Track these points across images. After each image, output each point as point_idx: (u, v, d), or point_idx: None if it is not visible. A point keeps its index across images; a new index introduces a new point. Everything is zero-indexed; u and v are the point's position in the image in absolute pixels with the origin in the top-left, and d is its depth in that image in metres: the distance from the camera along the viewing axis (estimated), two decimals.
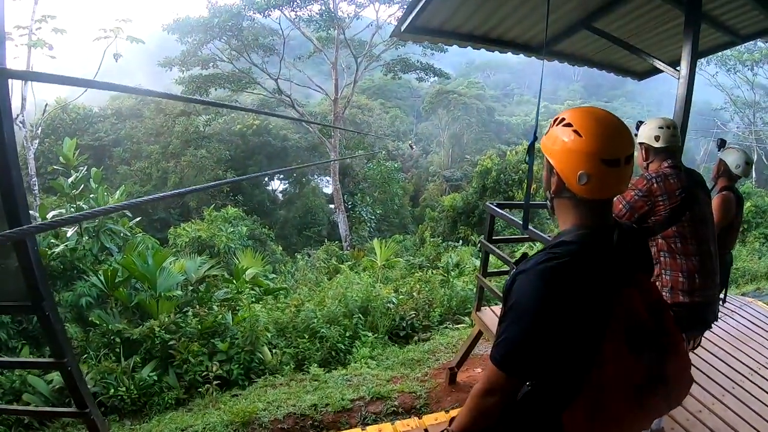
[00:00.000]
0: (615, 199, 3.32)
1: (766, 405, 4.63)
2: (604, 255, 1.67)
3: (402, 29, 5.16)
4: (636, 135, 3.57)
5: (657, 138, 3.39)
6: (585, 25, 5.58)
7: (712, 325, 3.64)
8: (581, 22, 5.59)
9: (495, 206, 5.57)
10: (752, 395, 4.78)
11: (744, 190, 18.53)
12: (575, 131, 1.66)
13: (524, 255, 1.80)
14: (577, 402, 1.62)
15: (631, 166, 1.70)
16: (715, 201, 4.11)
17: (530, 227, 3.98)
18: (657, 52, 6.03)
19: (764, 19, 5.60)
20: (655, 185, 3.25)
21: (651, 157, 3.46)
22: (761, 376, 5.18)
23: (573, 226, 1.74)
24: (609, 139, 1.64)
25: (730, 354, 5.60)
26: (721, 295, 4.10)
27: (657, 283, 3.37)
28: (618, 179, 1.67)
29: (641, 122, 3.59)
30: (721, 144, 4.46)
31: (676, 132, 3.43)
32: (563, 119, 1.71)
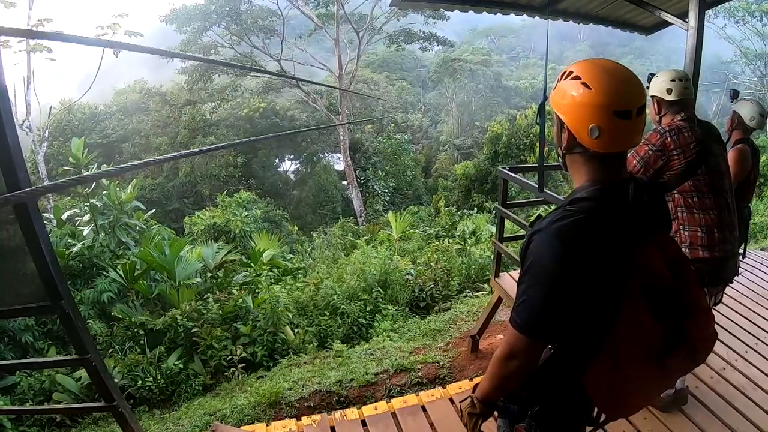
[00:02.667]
0: (629, 154, 3.29)
1: None
2: (620, 210, 1.65)
3: None
4: (647, 88, 3.51)
5: (669, 91, 3.32)
6: None
7: (733, 280, 3.61)
8: None
9: (508, 170, 5.53)
10: None
11: (759, 144, 18.18)
12: (584, 84, 1.63)
13: (539, 216, 1.77)
14: (598, 361, 1.62)
15: (644, 117, 1.67)
16: (731, 154, 4.04)
17: (545, 190, 3.95)
18: (664, 4, 5.88)
19: None
20: (669, 139, 3.20)
21: (664, 110, 3.40)
22: None
23: (587, 182, 1.71)
24: (619, 90, 1.61)
25: (752, 310, 5.56)
26: (741, 250, 4.07)
27: (675, 240, 3.31)
28: (630, 131, 1.63)
29: (653, 74, 3.52)
30: (734, 95, 4.38)
31: (688, 84, 3.35)
32: (571, 72, 1.68)
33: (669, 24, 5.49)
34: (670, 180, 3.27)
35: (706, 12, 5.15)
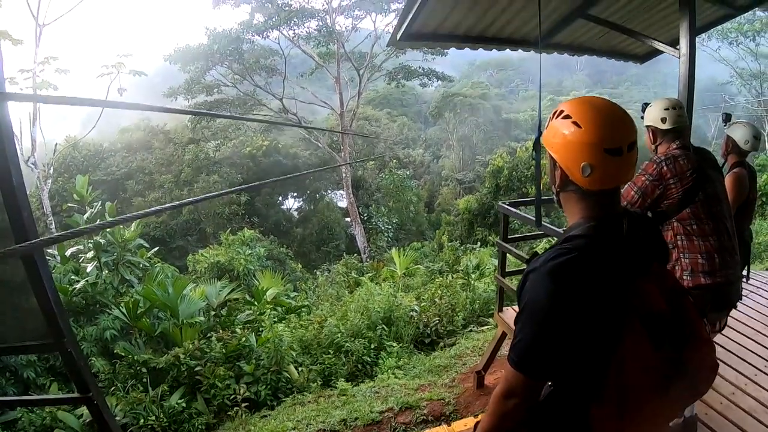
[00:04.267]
0: (627, 185, 3.29)
1: None
2: (615, 245, 1.63)
3: (398, 37, 5.16)
4: (642, 118, 3.53)
5: (664, 120, 3.34)
6: (580, 14, 5.52)
7: (738, 304, 3.58)
8: (576, 11, 5.53)
9: (507, 205, 5.54)
10: None
11: (758, 163, 18.30)
12: (575, 123, 1.63)
13: (535, 253, 1.77)
14: (603, 398, 1.59)
15: (635, 152, 1.66)
16: (728, 179, 4.05)
17: (544, 223, 3.94)
18: (655, 33, 5.98)
19: None
20: (665, 168, 3.20)
21: (659, 139, 3.41)
22: None
23: (581, 219, 1.70)
24: (609, 127, 1.61)
25: (760, 332, 5.47)
26: (744, 273, 4.02)
27: (676, 268, 3.32)
28: (622, 168, 1.63)
29: (647, 104, 3.53)
30: (727, 118, 4.42)
31: (682, 112, 3.38)
32: (562, 111, 1.68)
33: (662, 52, 5.55)
34: (668, 208, 3.26)
35: (699, 36, 5.22)
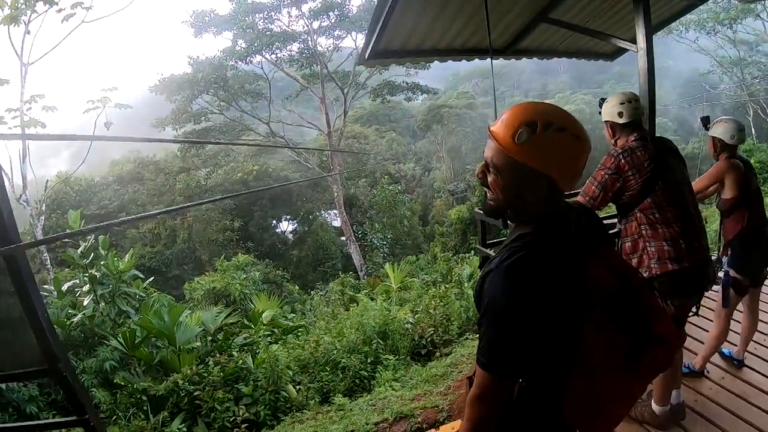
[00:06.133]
0: (588, 181, 3.39)
1: None
2: (563, 238, 1.71)
3: (366, 57, 5.28)
4: (600, 113, 3.65)
5: (620, 114, 3.43)
6: (543, 19, 5.63)
7: (709, 289, 3.66)
8: (538, 17, 5.64)
9: (481, 211, 5.67)
10: None
11: (745, 148, 18.28)
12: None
13: (485, 257, 1.87)
14: (571, 383, 1.67)
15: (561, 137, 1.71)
16: (721, 165, 4.22)
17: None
18: (617, 31, 6.10)
19: None
20: (622, 161, 3.30)
21: (618, 133, 3.50)
22: None
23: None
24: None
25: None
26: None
27: (643, 257, 3.39)
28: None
29: (603, 99, 3.64)
30: (706, 121, 4.45)
31: (638, 104, 3.47)
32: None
33: (626, 50, 5.67)
34: (629, 199, 3.35)
35: (676, 29, 5.32)
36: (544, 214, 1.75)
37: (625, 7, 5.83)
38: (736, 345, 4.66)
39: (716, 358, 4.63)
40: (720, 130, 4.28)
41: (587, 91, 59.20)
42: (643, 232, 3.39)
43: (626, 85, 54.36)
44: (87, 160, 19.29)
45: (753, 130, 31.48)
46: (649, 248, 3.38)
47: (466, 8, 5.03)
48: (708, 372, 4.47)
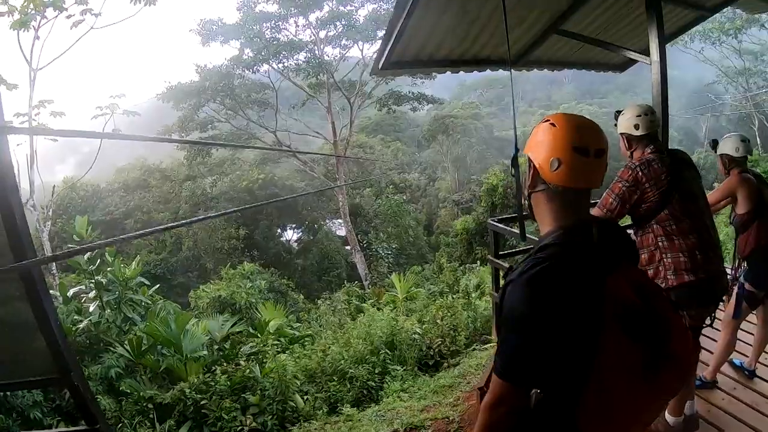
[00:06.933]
0: (605, 193, 3.38)
1: None
2: (587, 251, 1.71)
3: (380, 66, 5.28)
4: (615, 125, 3.64)
5: (637, 126, 3.44)
6: (554, 30, 5.67)
7: (723, 299, 3.65)
8: (550, 28, 5.68)
9: (496, 222, 5.66)
10: None
11: (751, 158, 18.19)
12: (552, 124, 1.79)
13: (510, 267, 1.87)
14: (586, 396, 1.63)
15: (604, 161, 1.78)
16: (732, 180, 4.22)
17: (530, 236, 4.03)
18: (628, 42, 6.13)
19: None
20: (640, 173, 3.29)
21: (634, 145, 3.50)
22: None
23: (551, 228, 1.80)
24: (579, 129, 1.77)
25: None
26: None
27: (660, 268, 3.38)
28: (588, 169, 1.76)
29: (619, 112, 3.64)
30: (714, 144, 4.46)
31: (654, 117, 3.47)
32: (545, 119, 1.85)
33: (635, 61, 5.68)
34: (646, 211, 3.35)
35: (681, 39, 5.35)
36: (558, 223, 1.80)
37: (636, 19, 5.85)
38: (747, 356, 4.66)
39: (728, 369, 4.63)
40: (725, 146, 4.30)
41: (592, 101, 59.36)
42: (660, 243, 3.38)
43: (631, 96, 54.44)
44: (93, 167, 19.37)
45: (758, 140, 31.50)
46: (665, 260, 3.37)
47: (480, 20, 5.05)
48: (720, 383, 4.45)
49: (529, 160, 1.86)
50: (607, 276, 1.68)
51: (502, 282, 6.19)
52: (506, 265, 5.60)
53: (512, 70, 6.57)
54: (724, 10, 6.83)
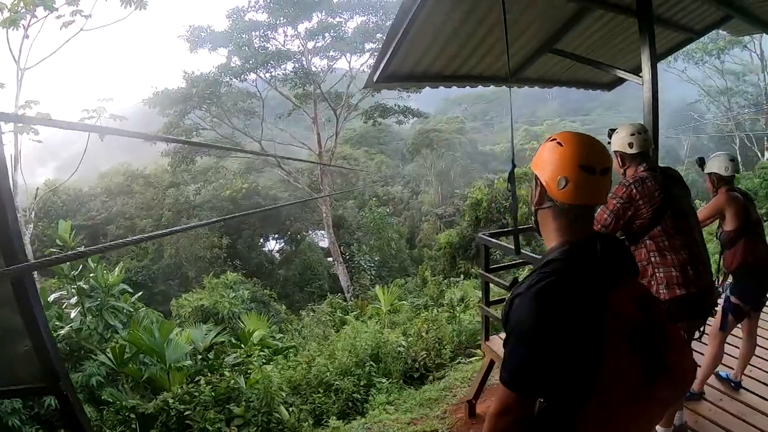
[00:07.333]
0: (599, 209, 3.44)
1: None
2: (591, 266, 1.76)
3: (375, 79, 5.31)
4: (609, 143, 3.70)
5: (631, 145, 3.52)
6: (547, 49, 5.78)
7: (713, 312, 3.73)
8: (543, 47, 5.79)
9: (488, 236, 5.69)
10: None
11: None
12: (558, 143, 1.83)
13: (515, 280, 1.90)
14: (587, 405, 1.68)
15: (608, 179, 1.84)
16: (720, 198, 4.35)
17: (523, 251, 4.06)
18: (619, 61, 6.26)
19: (715, 11, 5.85)
20: (634, 190, 3.38)
21: (627, 163, 3.59)
22: None
23: (557, 243, 1.84)
24: (585, 148, 1.81)
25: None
26: None
27: (652, 283, 3.46)
28: (594, 187, 1.80)
29: (613, 130, 3.72)
30: (701, 162, 4.57)
31: (647, 136, 3.57)
32: (551, 138, 1.88)
33: (625, 80, 5.77)
34: (639, 227, 3.44)
35: (665, 59, 5.48)
36: (564, 238, 1.84)
37: (627, 39, 6.00)
38: (732, 368, 4.76)
39: (714, 380, 4.74)
40: (714, 165, 4.42)
41: (575, 118, 59.92)
42: (652, 258, 3.47)
43: (614, 114, 55.13)
44: (76, 170, 19.19)
45: (739, 158, 31.99)
46: (658, 274, 3.46)
47: (475, 38, 5.13)
48: (707, 394, 4.56)
49: (536, 177, 1.90)
50: (610, 290, 1.73)
51: (493, 295, 6.25)
52: (498, 280, 5.64)
53: (504, 86, 6.64)
54: None
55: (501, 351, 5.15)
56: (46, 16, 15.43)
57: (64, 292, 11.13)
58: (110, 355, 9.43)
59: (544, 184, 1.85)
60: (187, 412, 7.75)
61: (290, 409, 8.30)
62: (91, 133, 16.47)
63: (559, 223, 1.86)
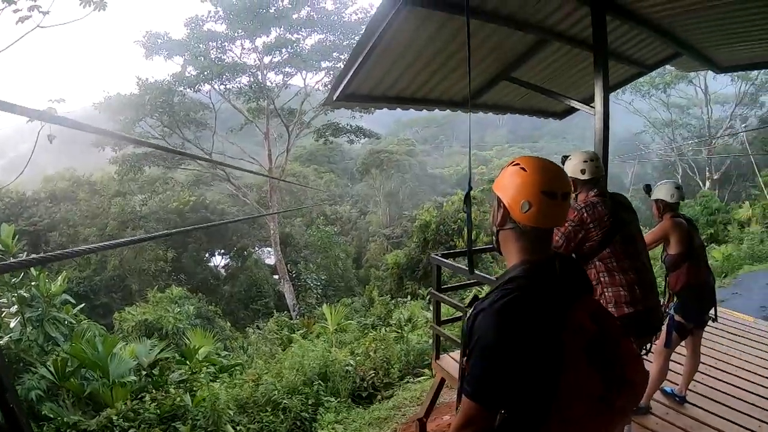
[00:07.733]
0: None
1: (733, 397, 4.95)
2: (551, 284, 1.85)
3: (335, 98, 5.39)
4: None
5: (583, 171, 3.69)
6: (504, 77, 5.97)
7: (660, 329, 3.94)
8: (501, 74, 5.98)
9: (440, 257, 5.82)
10: (718, 390, 5.11)
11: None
12: (522, 168, 1.91)
13: (475, 297, 1.98)
14: (549, 419, 1.74)
15: (568, 204, 1.95)
16: (665, 225, 4.58)
17: (476, 271, 4.18)
18: (572, 92, 6.51)
19: (666, 48, 6.15)
20: (585, 214, 3.55)
21: (579, 188, 3.76)
22: (723, 369, 5.56)
23: (519, 262, 1.93)
24: (548, 174, 1.90)
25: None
26: (712, 314, 4.65)
27: (601, 301, 3.61)
28: (555, 211, 1.90)
29: (566, 157, 3.88)
30: (648, 189, 4.83)
31: (599, 163, 3.74)
32: (515, 162, 1.96)
33: (578, 109, 6.00)
34: (589, 249, 3.60)
35: (613, 91, 5.75)
36: (524, 257, 1.93)
37: (581, 71, 6.24)
38: (677, 384, 4.99)
39: (660, 395, 4.94)
40: (661, 192, 4.68)
41: (523, 145, 61.30)
42: (602, 278, 3.65)
43: (561, 141, 56.71)
44: (21, 173, 18.63)
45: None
46: (606, 293, 3.64)
47: (436, 61, 5.25)
48: (653, 408, 4.75)
49: (498, 199, 1.98)
50: (570, 306, 1.83)
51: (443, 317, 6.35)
52: (450, 299, 5.75)
53: (460, 111, 6.81)
54: None
55: (452, 369, 5.27)
56: (2, 9, 15.02)
57: (4, 300, 10.71)
58: (51, 369, 9.09)
59: (507, 206, 1.93)
60: (131, 430, 7.56)
61: (237, 428, 8.19)
62: (40, 133, 16.10)
63: (521, 244, 1.94)
